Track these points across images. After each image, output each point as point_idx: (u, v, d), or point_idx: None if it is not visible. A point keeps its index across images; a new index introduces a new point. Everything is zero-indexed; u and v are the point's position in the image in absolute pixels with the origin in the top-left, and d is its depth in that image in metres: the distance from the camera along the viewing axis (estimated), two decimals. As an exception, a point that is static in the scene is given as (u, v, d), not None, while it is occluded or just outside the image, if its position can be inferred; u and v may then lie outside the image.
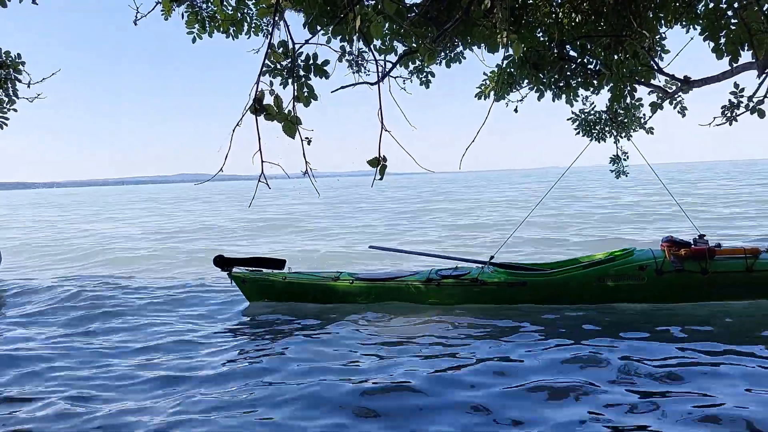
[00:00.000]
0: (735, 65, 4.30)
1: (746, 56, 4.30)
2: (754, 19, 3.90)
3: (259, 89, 2.71)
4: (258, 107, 2.58)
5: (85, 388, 3.59)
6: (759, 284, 4.89)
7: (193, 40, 4.44)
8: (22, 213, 32.26)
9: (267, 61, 3.39)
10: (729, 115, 4.37)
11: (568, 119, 5.81)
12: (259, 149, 2.41)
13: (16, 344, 4.59)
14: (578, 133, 5.86)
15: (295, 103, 2.79)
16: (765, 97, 4.29)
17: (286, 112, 2.72)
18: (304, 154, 2.52)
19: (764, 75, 4.26)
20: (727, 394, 3.13)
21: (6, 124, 4.01)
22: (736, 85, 4.37)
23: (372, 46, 4.83)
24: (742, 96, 4.35)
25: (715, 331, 4.34)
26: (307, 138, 2.62)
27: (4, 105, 3.97)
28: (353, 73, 4.83)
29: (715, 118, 4.43)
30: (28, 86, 4.04)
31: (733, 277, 4.90)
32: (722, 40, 4.27)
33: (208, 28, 4.41)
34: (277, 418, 3.10)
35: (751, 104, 4.32)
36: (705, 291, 4.96)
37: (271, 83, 2.71)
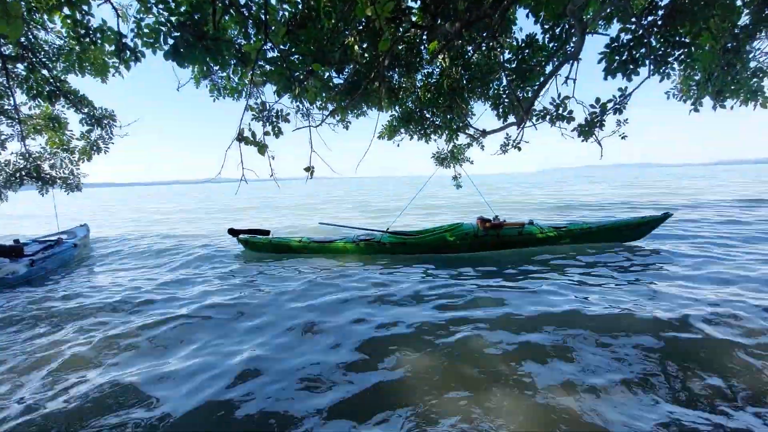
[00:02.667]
0: (506, 123, 8.45)
1: (512, 118, 8.48)
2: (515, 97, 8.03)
3: (241, 127, 5.93)
4: (241, 138, 5.70)
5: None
6: (524, 241, 9.16)
7: (214, 100, 7.50)
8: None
9: (251, 112, 6.66)
10: (504, 150, 8.48)
11: (431, 157, 9.70)
12: (241, 162, 5.55)
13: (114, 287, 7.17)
14: (436, 164, 9.78)
15: (265, 136, 6.08)
16: (520, 141, 8.47)
17: (258, 140, 6.00)
18: (270, 165, 5.72)
19: (520, 129, 8.45)
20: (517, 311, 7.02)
21: (108, 150, 6.69)
22: (507, 135, 8.50)
23: (314, 105, 8.26)
24: (509, 139, 8.49)
25: (505, 266, 8.37)
26: (271, 155, 5.89)
27: (106, 141, 6.67)
28: (303, 119, 8.20)
29: (497, 151, 8.52)
30: (119, 128, 6.79)
31: (512, 237, 9.12)
32: (500, 109, 8.43)
33: (222, 94, 7.49)
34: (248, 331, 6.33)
35: (514, 143, 8.47)
36: (498, 245, 9.12)
37: (250, 124, 5.85)
